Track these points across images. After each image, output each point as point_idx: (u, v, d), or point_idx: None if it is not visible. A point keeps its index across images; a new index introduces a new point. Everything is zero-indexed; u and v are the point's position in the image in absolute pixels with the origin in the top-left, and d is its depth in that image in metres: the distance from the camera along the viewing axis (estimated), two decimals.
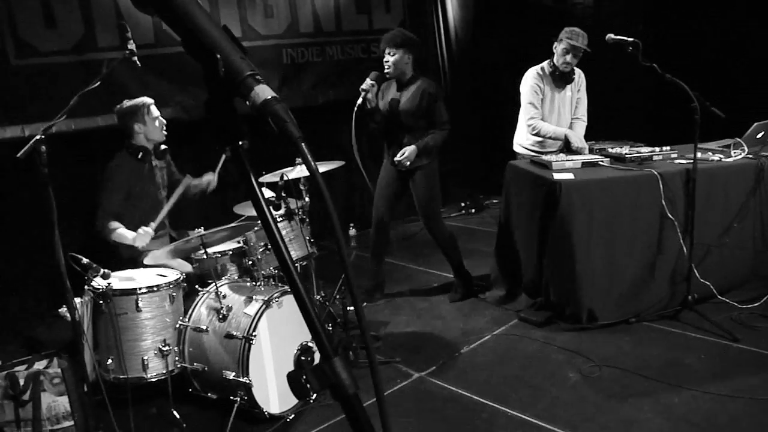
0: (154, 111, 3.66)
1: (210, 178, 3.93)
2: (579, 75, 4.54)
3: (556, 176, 3.86)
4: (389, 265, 5.24)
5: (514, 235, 4.29)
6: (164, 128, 3.70)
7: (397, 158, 4.10)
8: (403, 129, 4.19)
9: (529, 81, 4.47)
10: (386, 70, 4.11)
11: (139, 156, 3.62)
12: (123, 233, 3.45)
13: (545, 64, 4.47)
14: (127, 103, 3.65)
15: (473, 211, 7.00)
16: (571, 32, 4.28)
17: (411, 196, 4.37)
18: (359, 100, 3.94)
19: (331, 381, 0.88)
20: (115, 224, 3.46)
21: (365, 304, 4.42)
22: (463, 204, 7.08)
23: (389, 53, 4.09)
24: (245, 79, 0.88)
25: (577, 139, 4.38)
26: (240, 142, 0.90)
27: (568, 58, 4.32)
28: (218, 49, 0.88)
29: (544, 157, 4.22)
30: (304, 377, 0.88)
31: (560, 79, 4.44)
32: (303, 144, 0.86)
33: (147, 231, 3.41)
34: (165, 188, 3.85)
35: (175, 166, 3.98)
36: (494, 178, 5.29)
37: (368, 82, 3.99)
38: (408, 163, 4.13)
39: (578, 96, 4.56)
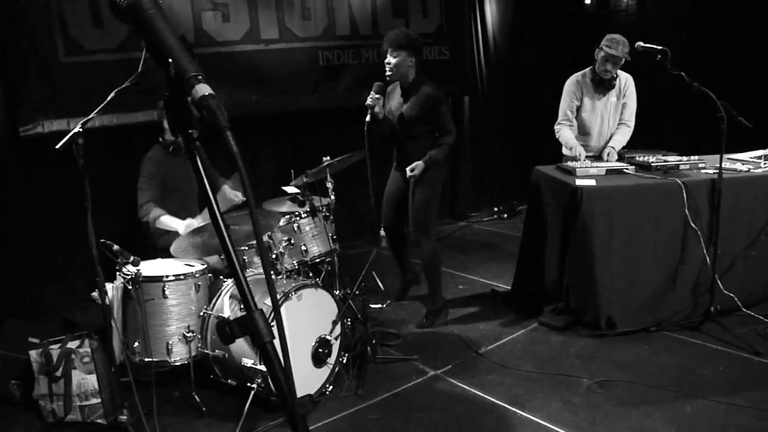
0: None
1: (238, 194, 3.95)
2: (625, 80, 4.48)
3: (578, 182, 3.86)
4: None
5: (537, 239, 4.29)
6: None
7: (409, 175, 4.04)
8: (409, 136, 4.07)
9: (567, 87, 4.49)
10: (387, 73, 3.98)
11: (171, 150, 3.78)
12: (169, 221, 3.58)
13: (587, 70, 4.46)
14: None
15: (506, 216, 6.99)
16: (611, 40, 4.26)
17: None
18: (367, 117, 3.80)
19: (251, 330, 1.01)
20: (159, 211, 3.62)
21: (386, 304, 4.42)
22: (495, 209, 7.08)
23: (391, 54, 3.94)
24: (189, 79, 1.04)
25: (578, 150, 4.34)
26: (190, 131, 1.03)
27: (608, 66, 4.30)
28: (171, 55, 1.04)
29: (569, 163, 4.23)
30: (229, 326, 1.03)
31: (601, 85, 4.41)
32: (228, 132, 1.00)
33: (194, 223, 3.53)
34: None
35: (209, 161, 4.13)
36: (528, 183, 5.29)
37: (373, 96, 3.86)
38: (414, 173, 4.05)
39: (624, 101, 4.50)
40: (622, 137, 4.53)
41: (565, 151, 4.68)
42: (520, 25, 7.21)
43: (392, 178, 4.38)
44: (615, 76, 4.40)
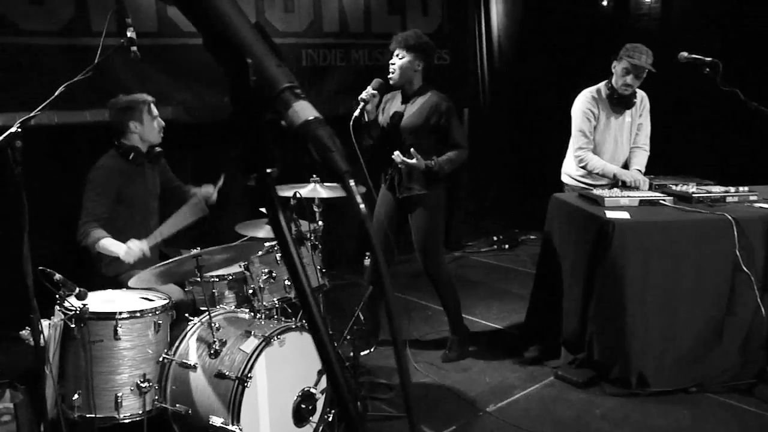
0: (154, 110, 3.66)
1: (209, 191, 3.88)
2: (641, 98, 4.46)
3: (609, 214, 3.77)
4: (409, 304, 5.22)
5: (555, 278, 4.19)
6: (162, 131, 3.70)
7: (397, 156, 3.91)
8: (404, 148, 3.99)
9: (581, 105, 4.40)
10: (390, 76, 4.00)
11: (131, 157, 3.60)
12: (109, 244, 3.38)
13: (602, 85, 4.40)
14: (124, 98, 3.64)
15: (506, 247, 6.95)
16: (633, 49, 4.20)
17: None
18: (356, 111, 3.83)
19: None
20: (100, 232, 3.40)
21: (362, 352, 4.29)
22: (495, 238, 7.04)
23: (397, 55, 3.98)
24: (281, 93, 0.81)
25: (630, 176, 4.29)
26: (269, 170, 0.81)
27: (629, 79, 4.23)
28: (249, 53, 0.78)
29: (595, 191, 4.13)
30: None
31: (619, 103, 4.35)
32: (350, 182, 0.79)
33: (139, 246, 3.34)
34: (157, 197, 3.80)
35: (172, 172, 3.92)
36: (533, 211, 5.24)
37: (369, 90, 3.88)
38: (405, 160, 3.90)
39: (639, 122, 4.47)
40: (641, 163, 4.48)
41: (566, 179, 4.60)
42: (528, 28, 7.20)
43: (382, 200, 4.29)
44: (633, 94, 4.35)
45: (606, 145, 4.43)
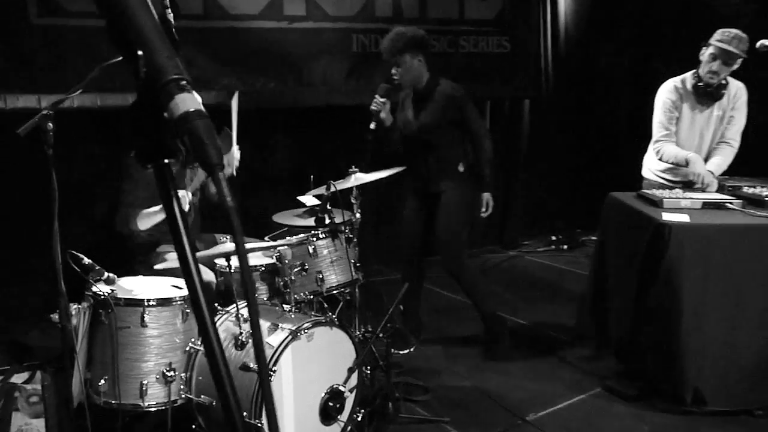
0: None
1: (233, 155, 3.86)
2: (736, 90, 4.25)
3: (666, 216, 3.67)
4: (454, 302, 5.23)
5: (607, 282, 4.13)
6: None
7: (488, 212, 4.22)
8: (427, 148, 4.15)
9: (662, 95, 4.29)
10: (397, 82, 4.09)
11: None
12: (149, 211, 3.47)
13: (688, 75, 4.25)
14: None
15: (565, 247, 6.90)
16: (724, 33, 4.03)
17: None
18: (372, 125, 3.92)
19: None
20: (136, 211, 3.50)
21: (395, 351, 4.34)
22: (553, 238, 6.99)
23: (395, 64, 4.06)
24: (166, 84, 0.84)
25: (699, 172, 4.12)
26: (167, 161, 0.85)
27: (715, 65, 4.06)
28: (140, 43, 0.82)
29: (656, 192, 4.03)
30: None
31: (705, 94, 4.19)
32: (221, 174, 0.82)
33: (185, 194, 3.44)
34: (197, 193, 3.89)
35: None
36: (597, 210, 5.16)
37: (378, 100, 3.98)
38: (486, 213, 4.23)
39: (731, 114, 4.27)
40: (722, 160, 4.30)
41: (647, 173, 4.49)
42: (599, 14, 7.04)
43: (411, 199, 4.43)
44: (724, 83, 4.17)
45: (692, 140, 4.29)
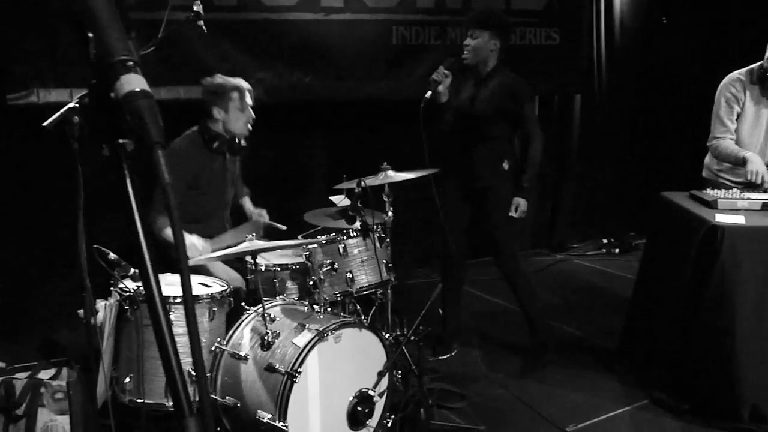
0: (247, 99, 3.75)
1: (261, 216, 4.05)
2: None
3: (719, 218, 3.62)
4: (495, 306, 5.27)
5: (656, 288, 4.10)
6: (251, 123, 3.79)
7: (517, 215, 4.18)
8: (478, 136, 4.17)
9: (723, 88, 4.20)
10: (464, 55, 4.08)
11: (214, 146, 3.73)
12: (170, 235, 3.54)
13: (755, 66, 4.16)
14: (218, 79, 3.75)
15: (617, 251, 6.84)
16: None
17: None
18: (428, 93, 3.92)
19: None
20: (166, 221, 3.54)
21: (434, 357, 4.39)
22: (605, 241, 6.94)
23: (471, 35, 4.07)
24: (114, 65, 0.90)
25: (759, 165, 4.01)
26: (121, 141, 0.90)
27: None
28: (93, 24, 0.89)
29: (710, 192, 3.98)
30: None
31: None
32: (159, 152, 0.87)
33: (201, 246, 3.50)
34: (233, 188, 3.98)
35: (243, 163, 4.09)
36: None
37: (441, 71, 3.97)
38: (518, 216, 4.19)
39: None
40: None
41: (707, 174, 4.41)
42: (658, 4, 6.97)
43: (452, 194, 4.37)
44: None
45: (756, 137, 4.19)
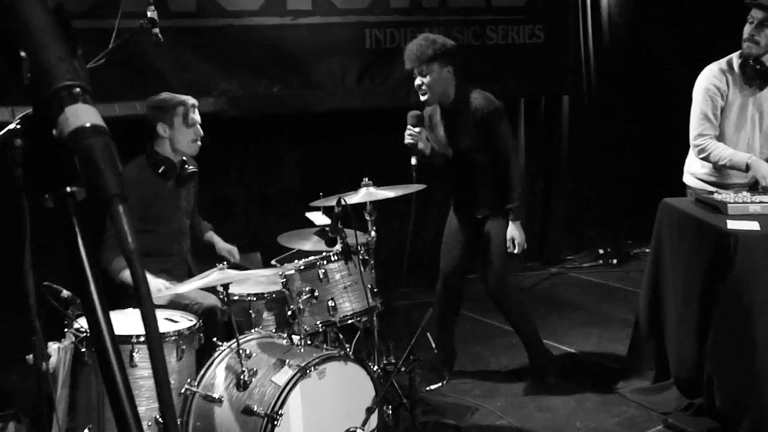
0: (193, 116, 3.71)
1: (231, 252, 4.03)
2: None
3: (731, 225, 3.59)
4: (490, 328, 5.23)
5: (664, 302, 4.07)
6: (199, 140, 3.74)
7: (517, 251, 4.22)
8: (472, 168, 4.21)
9: (704, 80, 4.18)
10: (422, 99, 4.09)
11: (160, 170, 3.68)
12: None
13: (734, 55, 4.16)
14: (161, 95, 3.72)
15: (614, 262, 6.83)
16: None
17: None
18: (413, 161, 3.97)
19: None
20: (123, 262, 3.48)
21: (430, 387, 4.36)
22: (601, 251, 6.94)
23: (421, 74, 4.04)
24: (56, 93, 0.76)
25: (766, 168, 4.00)
26: (69, 189, 0.77)
27: (747, 31, 3.97)
28: (27, 42, 0.74)
29: (718, 196, 3.93)
30: None
31: (756, 74, 4.08)
32: (120, 207, 0.73)
33: (161, 288, 3.46)
34: (189, 216, 3.95)
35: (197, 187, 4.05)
36: (650, 218, 5.13)
37: (411, 132, 4.00)
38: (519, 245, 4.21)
39: None
40: None
41: (689, 180, 4.38)
42: None
43: (452, 219, 4.46)
44: None
45: (741, 131, 4.18)
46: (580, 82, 6.84)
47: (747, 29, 4.00)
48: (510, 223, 4.17)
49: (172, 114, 3.65)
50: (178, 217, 3.80)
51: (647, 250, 6.63)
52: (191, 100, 3.72)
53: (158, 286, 3.45)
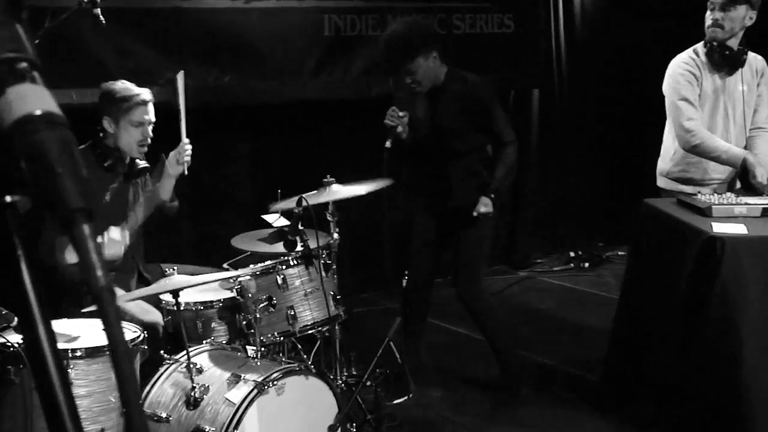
0: (144, 115, 3.57)
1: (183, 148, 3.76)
2: (759, 63, 4.25)
3: (717, 228, 3.58)
4: (457, 337, 5.22)
5: (643, 308, 4.07)
6: (146, 143, 3.61)
7: (481, 212, 4.05)
8: (449, 153, 4.17)
9: (677, 68, 4.21)
10: (416, 90, 4.08)
11: (107, 164, 3.59)
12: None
13: (698, 45, 4.22)
14: (113, 84, 3.60)
15: (586, 265, 6.88)
16: None
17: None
18: (387, 143, 3.93)
19: None
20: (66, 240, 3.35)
21: (395, 400, 4.33)
22: (572, 254, 6.98)
23: (408, 73, 4.01)
24: None
25: (764, 169, 4.01)
26: (9, 198, 0.65)
27: (709, 17, 4.03)
28: None
29: (701, 197, 3.93)
30: None
31: (724, 60, 4.12)
32: (85, 228, 0.62)
33: (118, 235, 3.42)
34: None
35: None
36: (624, 219, 5.17)
37: (395, 113, 3.98)
38: (490, 212, 4.09)
39: (759, 92, 4.25)
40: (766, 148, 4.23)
41: (663, 183, 4.39)
42: None
43: (421, 214, 4.43)
44: (743, 50, 4.13)
45: (716, 121, 4.20)
46: (550, 74, 6.88)
47: (709, 15, 4.06)
48: (484, 196, 4.07)
49: (118, 108, 3.52)
50: (122, 213, 3.68)
51: (621, 253, 6.79)
52: (143, 96, 3.56)
53: (111, 236, 3.41)
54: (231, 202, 5.30)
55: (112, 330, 0.63)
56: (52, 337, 0.69)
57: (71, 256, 3.38)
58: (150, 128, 3.60)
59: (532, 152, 6.94)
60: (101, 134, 3.59)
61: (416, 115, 4.19)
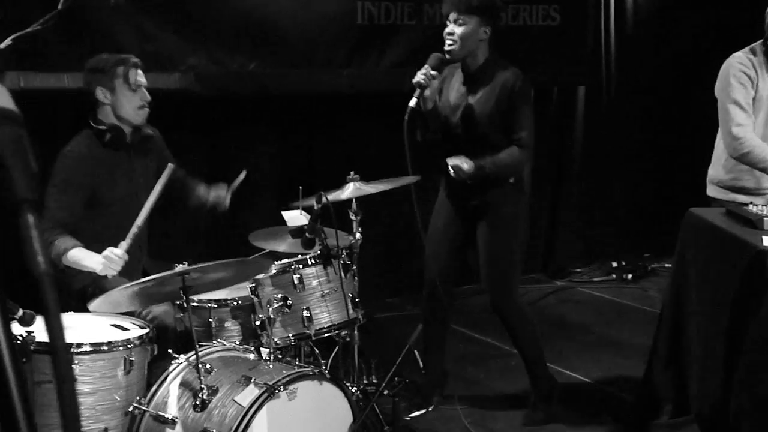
0: (136, 77, 3.65)
1: (219, 195, 3.98)
2: None
3: (767, 241, 3.54)
4: (485, 347, 5.23)
5: (687, 325, 4.03)
6: (146, 106, 3.67)
7: (451, 162, 3.97)
8: (475, 145, 4.06)
9: (731, 69, 4.18)
10: (447, 48, 3.99)
11: (107, 138, 3.62)
12: (79, 256, 3.42)
13: (756, 44, 4.19)
14: (100, 56, 3.68)
15: (630, 277, 6.86)
16: None
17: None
18: (412, 102, 3.87)
19: None
20: (67, 241, 3.44)
21: (416, 413, 4.33)
22: (614, 264, 6.97)
23: (455, 21, 3.96)
24: None
25: None
26: None
27: None
28: None
29: (753, 208, 3.88)
30: None
31: None
32: (31, 217, 0.67)
33: (117, 254, 3.38)
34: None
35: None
36: (672, 229, 5.15)
37: (427, 71, 3.91)
38: (464, 170, 3.95)
39: None
40: None
41: (714, 192, 4.38)
42: None
43: (440, 210, 4.39)
44: None
45: (765, 128, 4.19)
46: (598, 72, 6.86)
47: None
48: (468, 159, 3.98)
49: (112, 75, 3.58)
50: (132, 195, 3.70)
51: (668, 266, 6.69)
52: (133, 59, 3.66)
53: (101, 259, 3.34)
54: (249, 196, 5.31)
55: (51, 318, 0.68)
56: (8, 333, 0.76)
57: (66, 260, 3.42)
58: (145, 91, 3.67)
59: (574, 155, 6.95)
60: (94, 112, 3.64)
61: (448, 98, 4.17)
